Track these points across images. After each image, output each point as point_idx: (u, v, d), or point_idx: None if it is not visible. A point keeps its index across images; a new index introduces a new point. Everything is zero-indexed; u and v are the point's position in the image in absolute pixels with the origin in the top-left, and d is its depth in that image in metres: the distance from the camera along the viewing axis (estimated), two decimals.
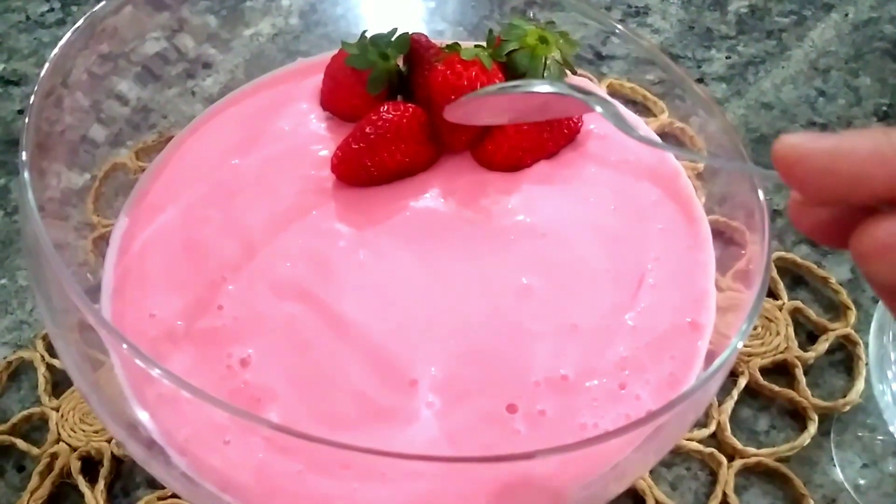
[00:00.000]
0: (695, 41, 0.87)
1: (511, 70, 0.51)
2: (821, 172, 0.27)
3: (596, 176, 0.54)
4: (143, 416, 0.42)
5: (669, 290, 0.49)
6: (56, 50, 0.47)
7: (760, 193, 0.45)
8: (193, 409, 0.39)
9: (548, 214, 0.51)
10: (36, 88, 0.44)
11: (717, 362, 0.39)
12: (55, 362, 0.61)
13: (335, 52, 0.56)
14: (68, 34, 0.48)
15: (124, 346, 0.35)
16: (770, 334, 0.64)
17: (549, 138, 0.53)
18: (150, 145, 0.58)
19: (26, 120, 0.43)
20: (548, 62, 0.52)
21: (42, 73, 0.45)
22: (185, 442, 0.41)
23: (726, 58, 0.86)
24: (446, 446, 0.42)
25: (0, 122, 0.78)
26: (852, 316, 0.64)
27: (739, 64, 0.85)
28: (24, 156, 0.41)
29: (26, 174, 0.40)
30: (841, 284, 0.66)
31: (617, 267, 0.50)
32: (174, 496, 0.55)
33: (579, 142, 0.56)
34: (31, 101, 0.44)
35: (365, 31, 0.54)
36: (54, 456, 0.57)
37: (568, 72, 0.54)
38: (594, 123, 0.56)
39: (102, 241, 0.51)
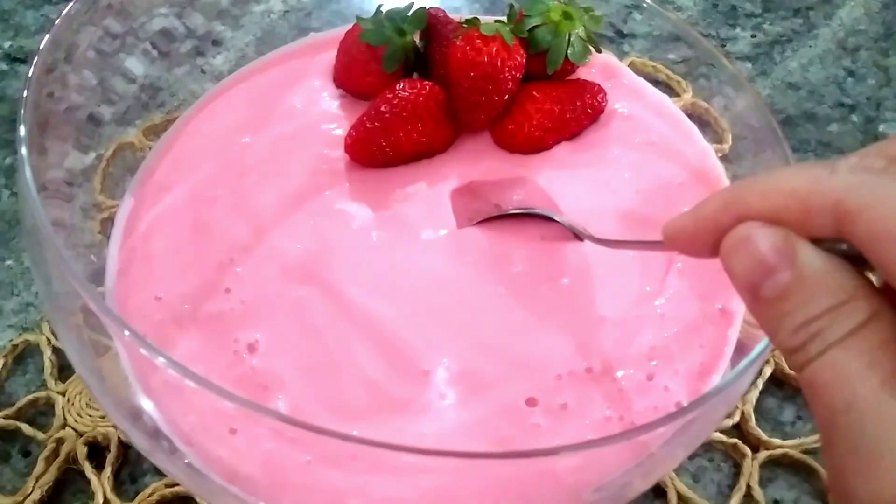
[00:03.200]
0: (719, 19, 0.84)
1: (533, 47, 0.49)
2: (692, 240, 0.32)
3: (620, 158, 0.52)
4: (147, 404, 0.40)
5: (698, 276, 0.47)
6: (58, 21, 0.45)
7: None
8: (199, 397, 0.37)
9: (570, 199, 0.49)
10: (35, 61, 0.43)
11: (754, 352, 0.37)
12: (61, 346, 0.60)
13: (348, 27, 0.54)
14: (70, 5, 0.46)
15: (127, 332, 0.34)
16: None
17: (572, 118, 0.51)
18: (157, 124, 0.56)
19: (25, 95, 0.41)
20: (571, 39, 0.50)
21: (42, 46, 0.44)
22: (191, 431, 0.39)
23: (752, 36, 0.83)
24: (461, 439, 0.40)
25: (6, 100, 0.77)
26: None
27: (765, 43, 0.82)
28: (21, 131, 0.39)
29: (24, 150, 0.38)
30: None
31: (644, 252, 0.48)
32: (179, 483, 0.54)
33: (602, 122, 0.54)
34: (29, 75, 0.42)
35: (380, 6, 0.52)
36: (60, 441, 0.55)
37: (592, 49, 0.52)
38: (619, 103, 0.54)
39: (109, 223, 0.50)
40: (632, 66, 0.72)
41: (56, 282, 0.39)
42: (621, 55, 0.73)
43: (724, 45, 0.82)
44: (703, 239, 0.31)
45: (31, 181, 0.37)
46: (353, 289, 0.44)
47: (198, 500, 0.53)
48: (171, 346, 0.42)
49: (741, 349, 0.44)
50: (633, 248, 0.45)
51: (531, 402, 0.41)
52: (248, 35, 0.62)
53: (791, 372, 0.59)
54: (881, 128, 0.76)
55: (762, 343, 0.37)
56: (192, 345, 0.43)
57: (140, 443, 0.40)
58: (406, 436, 0.39)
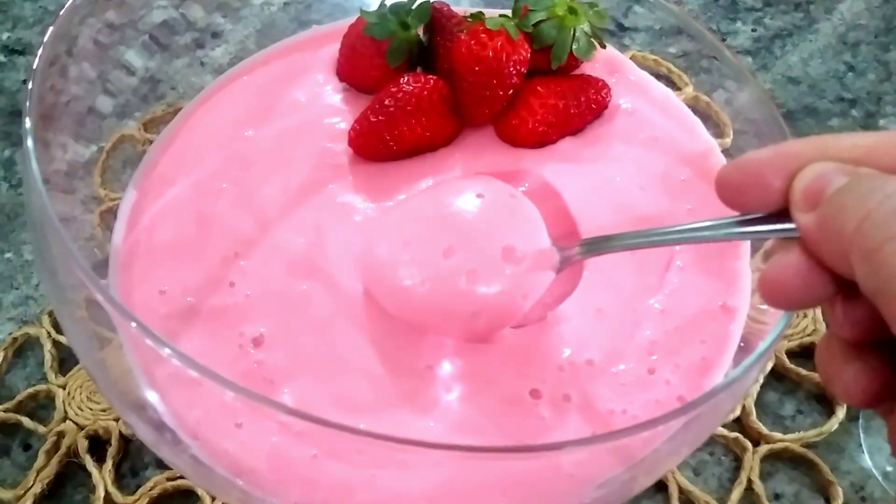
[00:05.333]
0: (720, 13, 0.84)
1: (537, 42, 0.49)
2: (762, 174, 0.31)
3: (623, 154, 0.52)
4: (152, 396, 0.40)
5: (699, 273, 0.47)
6: (62, 12, 0.45)
7: None
8: (205, 390, 0.37)
9: (574, 194, 0.49)
10: (40, 53, 0.42)
11: (760, 348, 0.37)
12: (62, 339, 0.60)
13: (350, 20, 0.53)
14: None
15: (133, 324, 0.33)
16: (797, 316, 0.62)
17: (577, 114, 0.51)
18: (158, 116, 0.56)
19: (30, 86, 0.41)
20: (576, 34, 0.50)
21: (46, 38, 0.43)
22: (197, 424, 0.39)
23: (752, 31, 0.83)
24: (467, 432, 0.40)
25: (5, 92, 0.77)
26: None
27: (766, 37, 0.82)
28: (27, 123, 0.39)
29: (30, 142, 0.38)
30: None
31: (643, 250, 0.48)
32: (184, 477, 0.53)
33: (607, 118, 0.53)
34: (34, 67, 0.42)
35: (384, 0, 0.51)
36: (61, 434, 0.55)
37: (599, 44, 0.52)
38: (623, 98, 0.54)
39: (110, 215, 0.49)
40: (633, 59, 0.72)
41: (61, 274, 0.38)
42: (622, 49, 0.73)
43: (724, 39, 0.82)
44: (777, 172, 0.30)
45: (37, 173, 0.37)
46: (358, 283, 0.44)
47: (200, 493, 0.53)
48: (176, 340, 0.42)
49: (745, 346, 0.44)
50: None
51: (535, 394, 0.42)
52: (248, 27, 0.62)
53: (791, 366, 0.59)
54: (881, 122, 0.76)
55: (769, 338, 0.37)
56: (196, 339, 0.43)
57: (145, 435, 0.40)
58: (412, 429, 0.40)
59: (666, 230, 0.38)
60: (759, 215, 0.32)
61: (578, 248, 0.42)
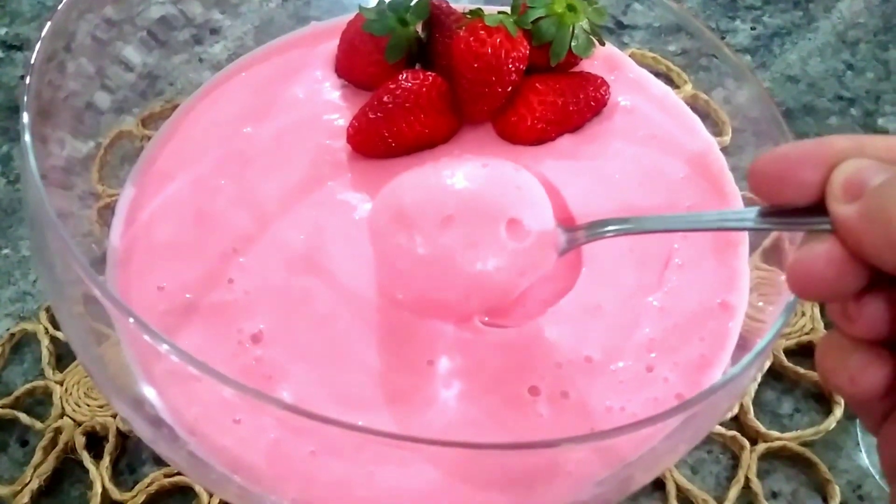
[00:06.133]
0: (719, 11, 0.84)
1: (536, 39, 0.49)
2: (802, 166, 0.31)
3: (622, 151, 0.52)
4: (150, 392, 0.40)
5: (698, 271, 0.47)
6: (59, 7, 0.45)
7: None
8: (203, 386, 0.37)
9: (572, 192, 0.49)
10: (38, 47, 0.42)
11: (759, 345, 0.37)
12: (59, 335, 0.59)
13: (348, 17, 0.53)
14: None
15: (131, 319, 0.33)
16: (795, 315, 0.62)
17: (575, 111, 0.51)
18: (156, 113, 0.56)
19: (27, 81, 0.41)
20: (575, 31, 0.50)
21: (43, 33, 0.43)
22: (195, 421, 0.39)
23: (751, 29, 0.83)
24: (466, 429, 0.40)
25: (2, 87, 0.76)
26: None
27: (765, 35, 0.82)
28: (25, 118, 0.39)
29: (27, 137, 0.38)
30: None
31: (642, 246, 0.48)
32: (181, 473, 0.53)
33: (605, 115, 0.53)
34: (32, 62, 0.41)
35: None
36: (58, 431, 0.55)
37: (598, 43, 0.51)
38: (622, 96, 0.54)
39: (107, 211, 0.49)
40: (632, 57, 0.72)
41: (59, 269, 0.38)
42: (621, 46, 0.72)
43: (723, 38, 0.82)
44: (815, 165, 0.31)
45: (34, 169, 0.37)
46: (357, 279, 0.44)
47: (197, 490, 0.53)
48: (174, 337, 0.42)
49: (743, 344, 0.44)
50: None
51: (534, 391, 0.42)
52: (247, 24, 0.62)
53: (789, 364, 0.59)
54: (880, 121, 0.76)
55: (768, 335, 0.37)
56: (194, 335, 0.43)
57: (143, 432, 0.40)
58: (411, 426, 0.40)
59: (681, 216, 0.38)
60: (788, 207, 0.32)
61: (584, 230, 0.41)
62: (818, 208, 0.31)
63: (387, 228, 0.42)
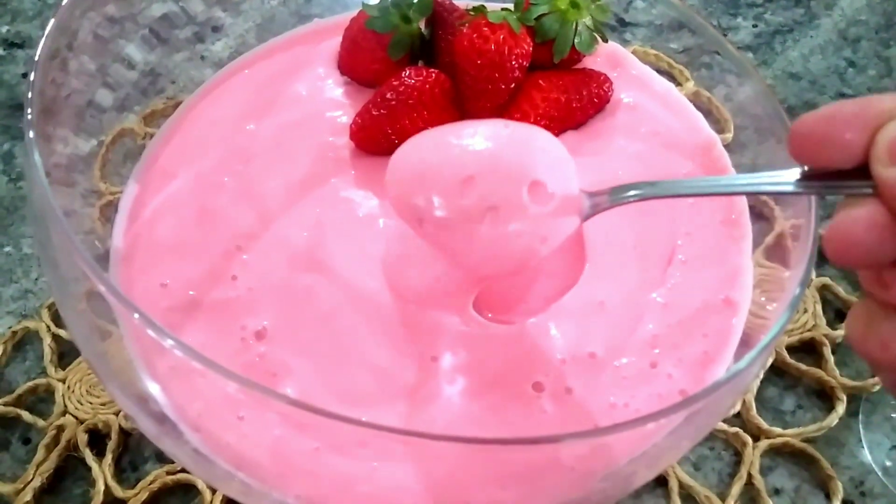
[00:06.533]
0: (720, 8, 0.84)
1: (539, 35, 0.49)
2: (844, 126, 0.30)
3: (625, 148, 0.52)
4: (154, 388, 0.40)
5: (701, 267, 0.47)
6: (63, 5, 0.45)
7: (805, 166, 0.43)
8: (207, 382, 0.37)
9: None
10: (40, 46, 0.42)
11: (763, 341, 0.37)
12: (61, 332, 0.59)
13: (350, 14, 0.53)
14: None
15: (136, 315, 0.33)
16: (797, 312, 0.62)
17: (578, 108, 0.51)
18: (158, 110, 0.56)
19: (31, 79, 0.41)
20: (578, 28, 0.50)
21: (47, 31, 0.43)
22: (199, 417, 0.39)
23: (753, 26, 0.83)
24: (469, 425, 0.40)
25: (4, 85, 0.76)
26: None
27: (766, 33, 0.82)
28: (29, 115, 0.39)
29: (32, 134, 0.38)
30: None
31: (645, 243, 0.48)
32: (184, 471, 0.53)
33: (608, 112, 0.53)
34: (36, 59, 0.42)
35: None
36: (61, 428, 0.55)
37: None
38: (625, 93, 0.54)
39: (110, 209, 0.49)
40: (634, 54, 0.72)
41: (63, 266, 0.38)
42: (623, 44, 0.72)
43: (725, 35, 0.82)
44: (860, 126, 0.30)
45: (39, 166, 0.37)
46: (361, 276, 0.44)
47: (200, 488, 0.53)
48: (177, 334, 0.42)
49: (746, 341, 0.44)
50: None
51: (538, 387, 0.42)
52: (248, 21, 0.62)
53: (792, 361, 0.59)
54: None
55: (772, 330, 0.37)
56: (198, 332, 0.43)
57: (147, 428, 0.40)
58: (414, 422, 0.40)
59: (711, 180, 0.36)
60: (829, 170, 0.31)
61: (608, 195, 0.39)
62: (861, 171, 0.30)
63: (403, 188, 0.40)
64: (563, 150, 0.41)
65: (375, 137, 0.49)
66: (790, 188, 0.33)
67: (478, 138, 0.40)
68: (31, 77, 0.41)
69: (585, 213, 0.40)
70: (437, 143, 0.41)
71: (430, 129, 0.42)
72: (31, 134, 0.38)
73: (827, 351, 0.60)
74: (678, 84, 0.68)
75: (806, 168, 0.33)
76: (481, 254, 0.39)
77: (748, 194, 0.39)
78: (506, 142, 0.40)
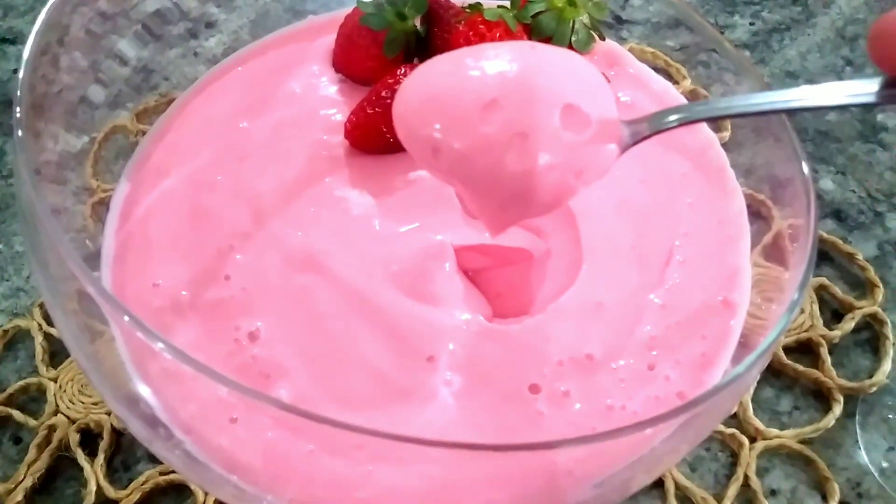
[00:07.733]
0: (717, 6, 0.84)
1: (536, 33, 0.49)
2: None
3: None
4: (145, 391, 0.40)
5: (700, 268, 0.47)
6: (53, 1, 0.44)
7: (804, 166, 0.43)
8: (199, 384, 0.37)
9: None
10: (31, 41, 0.42)
11: (763, 344, 0.36)
12: (53, 331, 0.59)
13: (345, 11, 0.53)
14: None
15: (126, 317, 0.33)
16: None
17: None
18: (151, 107, 0.55)
19: (20, 75, 0.40)
20: (576, 26, 0.49)
21: (36, 27, 0.43)
22: (190, 419, 0.39)
23: (750, 24, 0.83)
24: (466, 428, 0.40)
25: None
26: (879, 294, 0.62)
27: (763, 31, 0.82)
28: (18, 112, 0.38)
29: (20, 132, 0.37)
30: (868, 261, 0.64)
31: (643, 243, 0.47)
32: (176, 472, 0.53)
33: None
34: (25, 56, 0.41)
35: None
36: (52, 428, 0.55)
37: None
38: (622, 91, 0.54)
39: (102, 207, 0.49)
40: (631, 52, 0.72)
41: (52, 266, 0.38)
42: (620, 41, 0.72)
43: (722, 33, 0.81)
44: None
45: (27, 164, 0.36)
46: (356, 276, 0.44)
47: (193, 488, 0.52)
48: (170, 334, 0.42)
49: (745, 342, 0.44)
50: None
51: (534, 389, 0.41)
52: (242, 18, 0.61)
53: (788, 362, 0.59)
54: (879, 118, 0.76)
55: (772, 333, 0.36)
56: (190, 333, 0.42)
57: (138, 430, 0.40)
58: (411, 425, 0.39)
59: (763, 95, 0.32)
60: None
61: (647, 122, 0.35)
62: None
63: (414, 116, 0.35)
64: (598, 73, 0.37)
65: (370, 136, 0.48)
66: (871, 99, 0.30)
67: (501, 60, 0.34)
68: (20, 74, 0.40)
69: (625, 143, 0.35)
70: (455, 64, 0.35)
71: (444, 54, 0.37)
72: (20, 132, 0.38)
73: (824, 351, 0.59)
74: (675, 82, 0.68)
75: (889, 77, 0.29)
76: (506, 191, 0.34)
77: (813, 110, 0.34)
78: (534, 62, 0.35)
